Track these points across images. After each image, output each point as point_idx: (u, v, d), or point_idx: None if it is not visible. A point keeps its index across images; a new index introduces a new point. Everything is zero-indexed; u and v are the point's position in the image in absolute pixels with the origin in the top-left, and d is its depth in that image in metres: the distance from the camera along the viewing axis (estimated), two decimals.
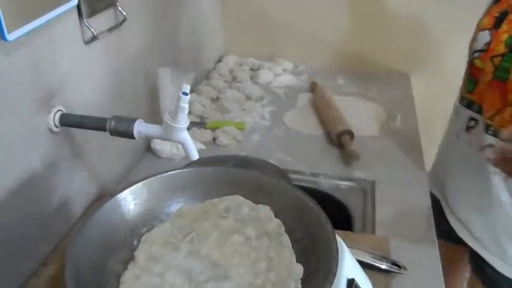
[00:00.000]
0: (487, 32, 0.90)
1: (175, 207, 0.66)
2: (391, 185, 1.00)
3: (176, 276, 0.56)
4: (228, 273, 0.56)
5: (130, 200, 0.63)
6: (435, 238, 0.87)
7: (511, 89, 0.83)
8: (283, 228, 0.61)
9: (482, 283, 1.00)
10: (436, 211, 0.97)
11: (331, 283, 0.50)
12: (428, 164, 1.09)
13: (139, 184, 0.64)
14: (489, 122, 0.88)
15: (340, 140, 1.13)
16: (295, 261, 0.57)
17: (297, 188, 0.64)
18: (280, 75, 1.52)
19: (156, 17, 1.10)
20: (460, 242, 1.01)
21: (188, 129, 0.71)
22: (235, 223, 0.62)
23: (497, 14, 0.89)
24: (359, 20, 1.53)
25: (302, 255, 0.58)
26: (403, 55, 1.53)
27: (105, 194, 0.91)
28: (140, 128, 0.71)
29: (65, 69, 0.77)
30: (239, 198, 0.65)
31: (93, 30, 0.81)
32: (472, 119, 0.93)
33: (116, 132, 0.72)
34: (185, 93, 0.65)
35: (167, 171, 0.67)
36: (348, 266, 0.61)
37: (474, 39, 0.93)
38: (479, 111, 0.91)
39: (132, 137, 0.72)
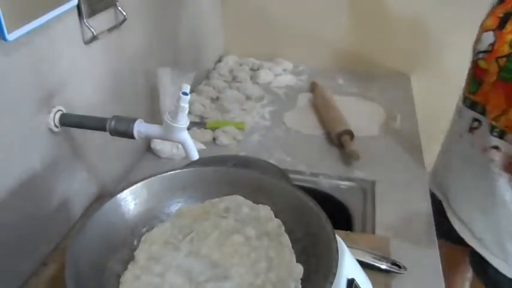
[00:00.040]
0: (491, 33, 0.89)
1: (175, 207, 0.66)
2: (391, 185, 1.00)
3: (176, 276, 0.56)
4: (228, 273, 0.56)
5: (130, 200, 0.63)
6: (435, 238, 0.87)
7: None
8: (283, 228, 0.61)
9: (485, 285, 1.00)
10: (436, 211, 0.97)
11: (331, 283, 0.50)
12: (429, 164, 1.09)
13: (139, 184, 0.64)
14: (494, 123, 0.87)
15: (340, 140, 1.13)
16: (295, 261, 0.57)
17: (297, 188, 0.64)
18: (280, 75, 1.52)
19: (156, 17, 1.10)
20: (461, 242, 1.00)
21: (188, 129, 0.71)
22: (235, 223, 0.62)
23: (501, 15, 0.89)
24: (359, 20, 1.53)
25: (302, 255, 0.58)
26: (403, 55, 1.53)
27: (105, 194, 0.91)
28: (140, 128, 0.71)
29: (65, 69, 0.77)
30: (239, 198, 0.65)
31: (93, 30, 0.81)
32: (476, 119, 0.92)
33: (116, 132, 0.72)
34: (185, 93, 0.65)
35: (167, 171, 0.67)
36: (348, 266, 0.61)
37: (478, 40, 0.93)
38: (483, 112, 0.91)
39: (132, 137, 0.72)
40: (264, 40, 1.61)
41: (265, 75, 1.48)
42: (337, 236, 0.56)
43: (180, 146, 0.74)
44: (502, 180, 0.89)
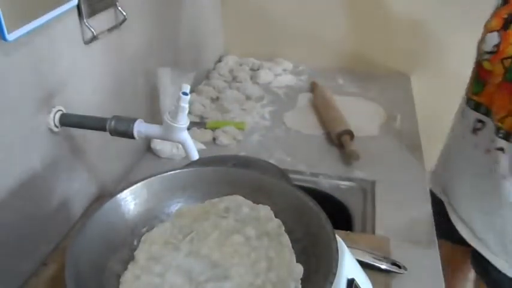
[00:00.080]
0: (495, 34, 0.88)
1: (175, 207, 0.66)
2: (391, 185, 1.00)
3: (176, 276, 0.56)
4: (228, 273, 0.56)
5: (130, 200, 0.63)
6: (435, 238, 0.87)
7: None
8: (283, 228, 0.61)
9: (486, 284, 1.00)
10: (437, 212, 0.97)
11: (331, 283, 0.50)
12: (428, 164, 1.09)
13: (139, 184, 0.64)
14: (499, 124, 0.86)
15: (340, 140, 1.13)
16: (295, 261, 0.57)
17: (297, 188, 0.64)
18: (280, 75, 1.52)
19: (156, 17, 1.10)
20: (462, 242, 1.00)
21: (188, 129, 0.71)
22: (235, 223, 0.62)
23: (506, 16, 0.88)
24: (359, 20, 1.53)
25: (302, 255, 0.58)
26: (403, 55, 1.53)
27: (105, 194, 0.91)
28: (140, 128, 0.71)
29: (65, 69, 0.77)
30: (239, 198, 0.65)
31: (93, 30, 0.81)
32: (479, 121, 0.92)
33: (116, 132, 0.72)
34: (185, 93, 0.65)
35: (167, 171, 0.67)
36: (348, 266, 0.61)
37: (482, 40, 0.92)
38: (487, 113, 0.90)
39: (132, 137, 0.72)
40: (264, 40, 1.61)
41: (265, 75, 1.48)
42: (337, 236, 0.56)
43: (180, 146, 0.74)
44: (507, 181, 0.88)
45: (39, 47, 0.70)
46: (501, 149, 0.87)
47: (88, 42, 0.81)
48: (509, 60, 0.84)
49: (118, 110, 0.91)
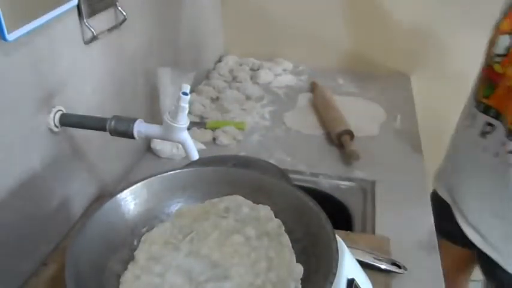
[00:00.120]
0: (507, 36, 0.87)
1: (175, 207, 0.66)
2: (391, 185, 1.00)
3: (176, 276, 0.56)
4: (228, 273, 0.56)
5: (130, 200, 0.63)
6: (435, 238, 0.87)
7: None
8: (283, 228, 0.61)
9: (495, 287, 1.00)
10: (442, 213, 0.97)
11: (331, 283, 0.50)
12: (428, 164, 1.09)
13: (139, 184, 0.64)
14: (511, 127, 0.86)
15: (340, 140, 1.13)
16: (295, 261, 0.57)
17: (297, 188, 0.64)
18: (280, 75, 1.52)
19: (156, 17, 1.10)
20: (467, 245, 1.01)
21: (188, 129, 0.71)
22: (235, 223, 0.62)
23: None
24: (359, 20, 1.53)
25: (302, 255, 0.58)
26: (403, 55, 1.53)
27: (105, 194, 0.91)
28: (140, 128, 0.71)
29: (65, 69, 0.77)
30: (239, 198, 0.65)
31: (93, 30, 0.81)
32: (489, 124, 0.91)
33: (116, 132, 0.72)
34: (185, 93, 0.65)
35: (167, 171, 0.67)
36: (348, 266, 0.61)
37: (493, 43, 0.91)
38: (497, 117, 0.90)
39: (132, 137, 0.72)
40: (264, 40, 1.61)
41: (265, 75, 1.48)
42: (337, 236, 0.56)
43: (180, 146, 0.74)
44: None
45: (39, 47, 0.70)
46: None
47: (88, 42, 0.81)
48: None
49: (118, 110, 0.92)
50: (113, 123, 0.72)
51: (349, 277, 0.60)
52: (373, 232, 0.87)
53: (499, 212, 0.93)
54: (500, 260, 0.95)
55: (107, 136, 0.73)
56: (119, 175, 1.00)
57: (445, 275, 0.79)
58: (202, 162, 0.77)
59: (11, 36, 0.60)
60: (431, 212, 0.93)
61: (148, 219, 0.63)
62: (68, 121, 0.75)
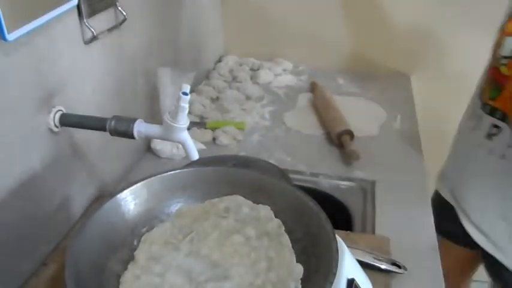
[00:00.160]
0: None
1: (175, 207, 0.66)
2: (391, 185, 1.00)
3: (176, 276, 0.56)
4: (228, 273, 0.56)
5: (130, 200, 0.63)
6: (435, 238, 0.87)
7: None
8: (283, 228, 0.61)
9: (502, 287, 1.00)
10: (444, 214, 0.97)
11: (331, 283, 0.50)
12: (428, 164, 1.09)
13: (139, 184, 0.64)
14: None
15: (340, 140, 1.13)
16: (295, 261, 0.57)
17: (297, 188, 0.64)
18: (280, 75, 1.52)
19: (156, 17, 1.10)
20: (470, 245, 1.00)
21: (188, 129, 0.71)
22: (235, 223, 0.62)
23: None
24: (359, 20, 1.53)
25: (302, 255, 0.58)
26: (403, 55, 1.53)
27: (105, 194, 0.91)
28: (140, 128, 0.71)
29: (65, 69, 0.77)
30: (239, 198, 0.65)
31: (93, 30, 0.81)
32: (495, 126, 0.91)
33: (116, 132, 0.72)
34: (185, 93, 0.65)
35: (167, 171, 0.66)
36: (348, 266, 0.61)
37: (499, 44, 0.90)
38: (503, 119, 0.89)
39: (132, 137, 0.72)
40: (264, 40, 1.61)
41: (265, 75, 1.48)
42: (337, 236, 0.56)
43: (180, 146, 0.74)
44: None
45: (39, 47, 0.70)
46: None
47: (88, 42, 0.81)
48: None
49: (118, 110, 0.92)
50: (113, 123, 0.72)
51: (349, 277, 0.60)
52: (373, 232, 0.87)
53: (503, 212, 0.93)
54: (505, 261, 0.95)
55: (107, 136, 0.73)
56: (119, 175, 1.00)
57: (448, 276, 0.79)
58: (202, 162, 0.77)
59: (11, 36, 0.60)
60: (432, 212, 0.93)
61: (148, 219, 0.63)
62: (68, 121, 0.75)
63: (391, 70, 1.55)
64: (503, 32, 0.90)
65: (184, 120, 0.69)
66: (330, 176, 1.04)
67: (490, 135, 0.92)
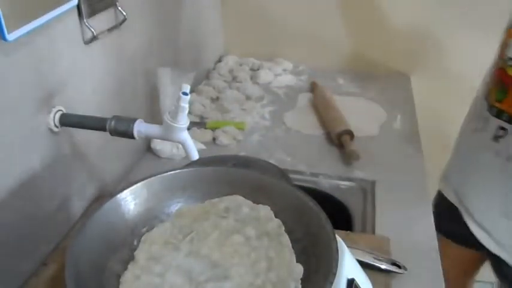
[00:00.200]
0: None
1: (175, 207, 0.66)
2: (391, 185, 1.00)
3: (176, 276, 0.56)
4: (228, 273, 0.56)
5: (130, 200, 0.63)
6: (435, 238, 0.87)
7: None
8: (283, 228, 0.61)
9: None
10: (448, 215, 0.96)
11: (331, 283, 0.50)
12: (429, 164, 1.09)
13: (139, 184, 0.64)
14: None
15: (340, 140, 1.13)
16: (295, 261, 0.57)
17: (297, 188, 0.64)
18: (280, 75, 1.52)
19: (156, 17, 1.10)
20: (475, 246, 1.00)
21: (188, 129, 0.71)
22: (235, 223, 0.62)
23: None
24: (359, 20, 1.53)
25: (302, 255, 0.58)
26: (403, 55, 1.53)
27: (105, 194, 0.91)
28: (140, 128, 0.71)
29: (65, 69, 0.77)
30: (239, 198, 0.65)
31: (93, 30, 0.81)
32: (502, 128, 0.91)
33: (116, 132, 0.72)
34: (185, 93, 0.65)
35: (167, 171, 0.67)
36: (348, 266, 0.61)
37: (505, 45, 0.90)
38: (510, 121, 0.89)
39: (132, 137, 0.72)
40: (264, 40, 1.61)
41: (265, 75, 1.48)
42: (337, 236, 0.56)
43: (180, 146, 0.74)
44: None
45: (39, 47, 0.70)
46: None
47: (88, 42, 0.81)
48: None
49: (118, 110, 0.92)
50: (113, 123, 0.72)
51: (349, 277, 0.60)
52: (373, 232, 0.87)
53: (505, 210, 0.93)
54: (509, 259, 0.95)
55: (107, 136, 0.73)
56: (119, 175, 1.00)
57: (451, 277, 0.79)
58: (202, 162, 0.77)
59: (11, 36, 0.60)
60: (432, 212, 0.93)
61: (148, 219, 0.63)
62: (68, 121, 0.75)
63: (391, 70, 1.55)
64: (510, 33, 0.89)
65: (184, 120, 0.69)
66: (330, 176, 1.04)
67: (496, 138, 0.92)
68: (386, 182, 1.01)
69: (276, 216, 0.62)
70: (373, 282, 0.67)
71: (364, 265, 0.70)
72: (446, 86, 1.49)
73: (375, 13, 1.49)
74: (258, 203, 0.64)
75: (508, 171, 0.90)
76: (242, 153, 1.10)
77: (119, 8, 0.90)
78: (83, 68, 0.82)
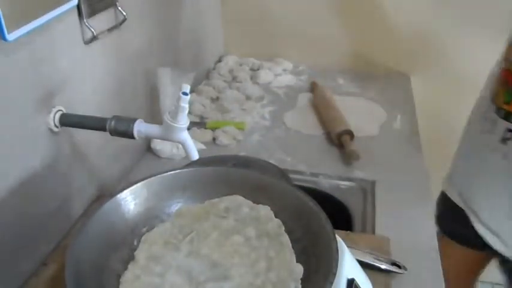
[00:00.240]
0: None
1: (175, 207, 0.66)
2: (391, 185, 1.00)
3: (176, 276, 0.56)
4: (228, 273, 0.56)
5: (130, 200, 0.63)
6: (435, 238, 0.87)
7: None
8: (283, 228, 0.61)
9: None
10: (452, 215, 0.96)
11: (331, 283, 0.50)
12: (429, 164, 1.09)
13: (139, 184, 0.64)
14: None
15: (340, 140, 1.13)
16: (295, 261, 0.57)
17: (297, 188, 0.64)
18: (280, 75, 1.52)
19: (156, 16, 1.10)
20: (478, 246, 1.00)
21: (188, 129, 0.71)
22: (235, 223, 0.62)
23: None
24: (359, 20, 1.53)
25: (302, 255, 0.58)
26: (403, 55, 1.53)
27: (105, 194, 0.91)
28: (140, 128, 0.71)
29: (65, 69, 0.77)
30: (239, 198, 0.65)
31: (93, 30, 0.81)
32: (510, 130, 0.90)
33: (116, 132, 0.72)
34: (185, 93, 0.65)
35: (167, 171, 0.67)
36: (348, 266, 0.61)
37: None
38: None
39: (132, 137, 0.72)
40: (264, 40, 1.61)
41: (265, 75, 1.48)
42: (337, 236, 0.56)
43: (180, 146, 0.74)
44: None
45: (39, 47, 0.70)
46: None
47: (88, 42, 0.81)
48: None
49: (118, 110, 0.92)
50: (113, 123, 0.72)
51: (349, 277, 0.60)
52: (373, 232, 0.87)
53: (510, 211, 0.93)
54: None
55: (107, 136, 0.73)
56: (119, 175, 1.00)
57: (455, 277, 0.79)
58: (202, 162, 0.77)
59: (11, 36, 0.60)
60: (432, 212, 0.93)
61: (149, 219, 0.64)
62: (68, 121, 0.75)
63: (391, 70, 1.55)
64: None
65: (184, 120, 0.69)
66: (330, 176, 1.04)
67: (504, 140, 0.91)
68: (387, 182, 1.01)
69: (276, 216, 0.62)
70: (373, 282, 0.67)
71: (364, 265, 0.70)
72: (447, 86, 1.49)
73: (375, 13, 1.49)
74: (258, 203, 0.64)
75: None
76: (242, 153, 1.10)
77: (119, 8, 0.90)
78: (83, 68, 0.82)
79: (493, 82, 0.95)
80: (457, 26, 1.40)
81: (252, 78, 1.48)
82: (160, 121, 0.71)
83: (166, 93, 0.93)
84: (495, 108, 0.93)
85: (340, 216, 0.95)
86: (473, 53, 1.35)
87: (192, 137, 0.75)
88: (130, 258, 0.59)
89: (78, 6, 0.76)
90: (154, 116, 1.02)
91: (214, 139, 1.16)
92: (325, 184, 1.03)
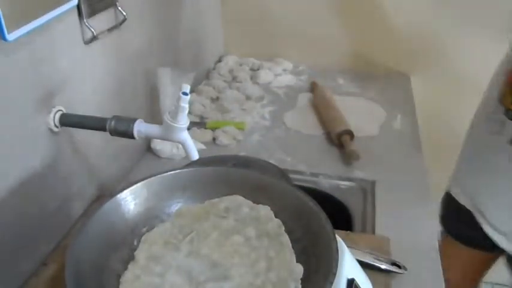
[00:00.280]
0: None
1: (175, 207, 0.66)
2: (391, 185, 1.00)
3: (176, 276, 0.56)
4: (228, 273, 0.56)
5: (130, 200, 0.63)
6: (435, 238, 0.87)
7: None
8: (283, 228, 0.61)
9: None
10: (457, 216, 0.96)
11: (331, 283, 0.50)
12: (429, 164, 1.09)
13: (139, 184, 0.64)
14: None
15: (340, 140, 1.13)
16: (295, 261, 0.57)
17: (297, 188, 0.64)
18: (280, 75, 1.52)
19: (156, 16, 1.10)
20: (484, 247, 1.00)
21: (188, 129, 0.71)
22: (235, 223, 0.62)
23: None
24: (359, 20, 1.53)
25: (302, 255, 0.58)
26: (403, 55, 1.53)
27: (105, 194, 0.91)
28: (140, 128, 0.71)
29: (65, 69, 0.77)
30: (239, 198, 0.65)
31: (93, 30, 0.81)
32: None
33: (116, 132, 0.72)
34: (185, 93, 0.65)
35: (167, 171, 0.67)
36: (348, 266, 0.61)
37: None
38: None
39: (132, 137, 0.72)
40: (264, 40, 1.61)
41: (265, 75, 1.48)
42: (337, 236, 0.56)
43: (180, 146, 0.74)
44: None
45: (39, 47, 0.70)
46: None
47: (88, 42, 0.81)
48: None
49: (118, 110, 0.92)
50: (113, 123, 0.72)
51: (349, 277, 0.60)
52: (373, 232, 0.87)
53: None
54: None
55: (107, 136, 0.73)
56: (119, 175, 1.00)
57: (459, 277, 0.78)
58: (202, 162, 0.77)
59: (11, 36, 0.60)
60: (432, 212, 0.93)
61: (149, 219, 0.64)
62: (68, 121, 0.75)
63: (391, 70, 1.55)
64: None
65: (184, 120, 0.69)
66: (330, 176, 1.04)
67: None
68: (387, 182, 1.01)
69: (276, 216, 0.62)
70: (373, 282, 0.67)
71: (364, 265, 0.70)
72: (447, 86, 1.49)
73: (375, 13, 1.49)
74: (258, 203, 0.64)
75: None
76: (242, 153, 1.10)
77: (119, 8, 0.90)
78: (83, 68, 0.82)
79: (499, 83, 0.94)
80: (457, 26, 1.40)
81: (252, 78, 1.48)
82: (160, 121, 0.71)
83: (166, 93, 0.93)
84: (503, 109, 0.92)
85: (340, 216, 0.95)
86: (473, 53, 1.35)
87: (192, 137, 0.75)
88: (130, 258, 0.59)
89: (78, 6, 0.76)
90: (154, 116, 1.02)
91: (214, 139, 1.16)
92: (325, 184, 1.03)
